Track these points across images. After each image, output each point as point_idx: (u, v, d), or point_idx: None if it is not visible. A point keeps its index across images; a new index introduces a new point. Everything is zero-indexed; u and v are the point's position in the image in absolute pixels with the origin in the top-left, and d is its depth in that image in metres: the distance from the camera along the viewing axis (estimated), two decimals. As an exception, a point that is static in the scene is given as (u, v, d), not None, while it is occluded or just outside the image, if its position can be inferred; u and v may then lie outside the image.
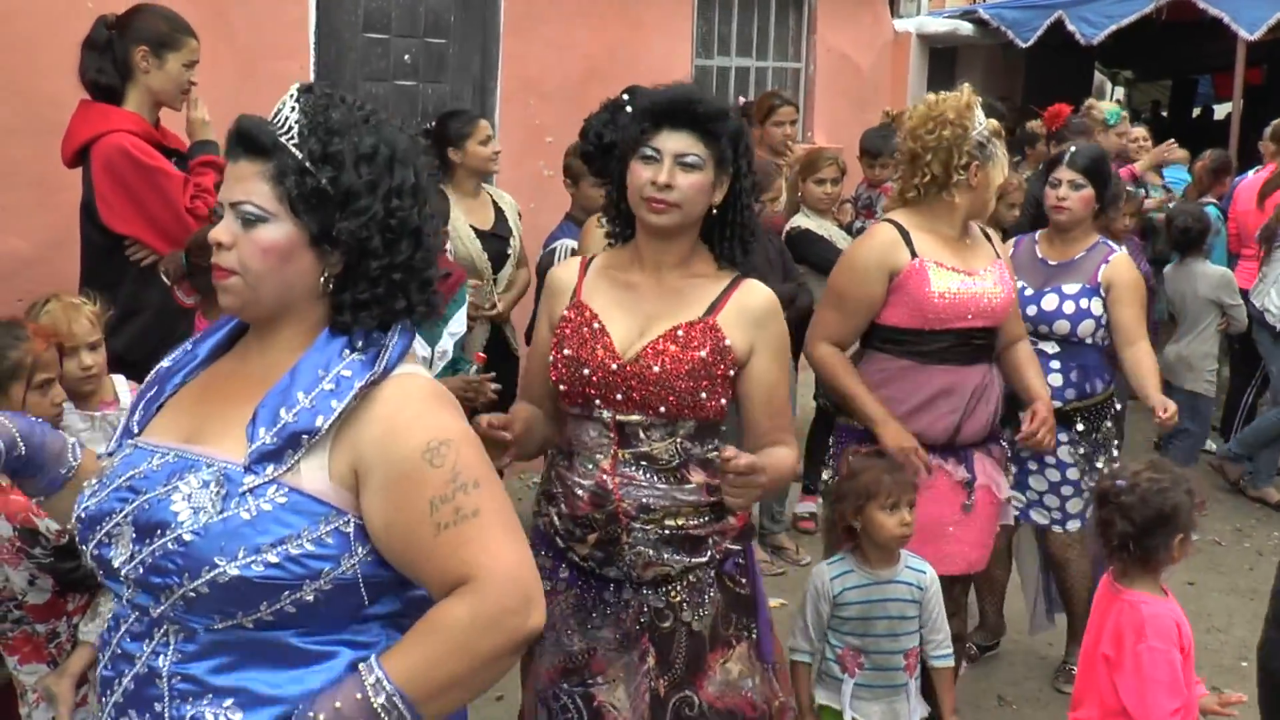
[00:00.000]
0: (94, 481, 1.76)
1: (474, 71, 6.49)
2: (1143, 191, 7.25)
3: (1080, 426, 4.12)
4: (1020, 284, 3.97)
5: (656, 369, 2.40)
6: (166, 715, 1.64)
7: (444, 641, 1.64)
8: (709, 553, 2.52)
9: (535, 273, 4.83)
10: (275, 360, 1.74)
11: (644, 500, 2.44)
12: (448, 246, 4.57)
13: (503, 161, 5.03)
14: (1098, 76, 14.61)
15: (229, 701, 1.63)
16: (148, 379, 1.87)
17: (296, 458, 1.64)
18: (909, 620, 3.26)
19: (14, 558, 2.64)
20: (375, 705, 1.60)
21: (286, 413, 1.65)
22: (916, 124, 3.43)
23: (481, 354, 4.32)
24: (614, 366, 2.43)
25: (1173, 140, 7.94)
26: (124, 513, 1.67)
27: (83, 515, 1.72)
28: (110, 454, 1.81)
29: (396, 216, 1.73)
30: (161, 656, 1.65)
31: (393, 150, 1.74)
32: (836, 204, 5.82)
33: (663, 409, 2.42)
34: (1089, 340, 4.09)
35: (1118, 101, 13.89)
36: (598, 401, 2.45)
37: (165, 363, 1.87)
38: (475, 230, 4.79)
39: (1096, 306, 4.06)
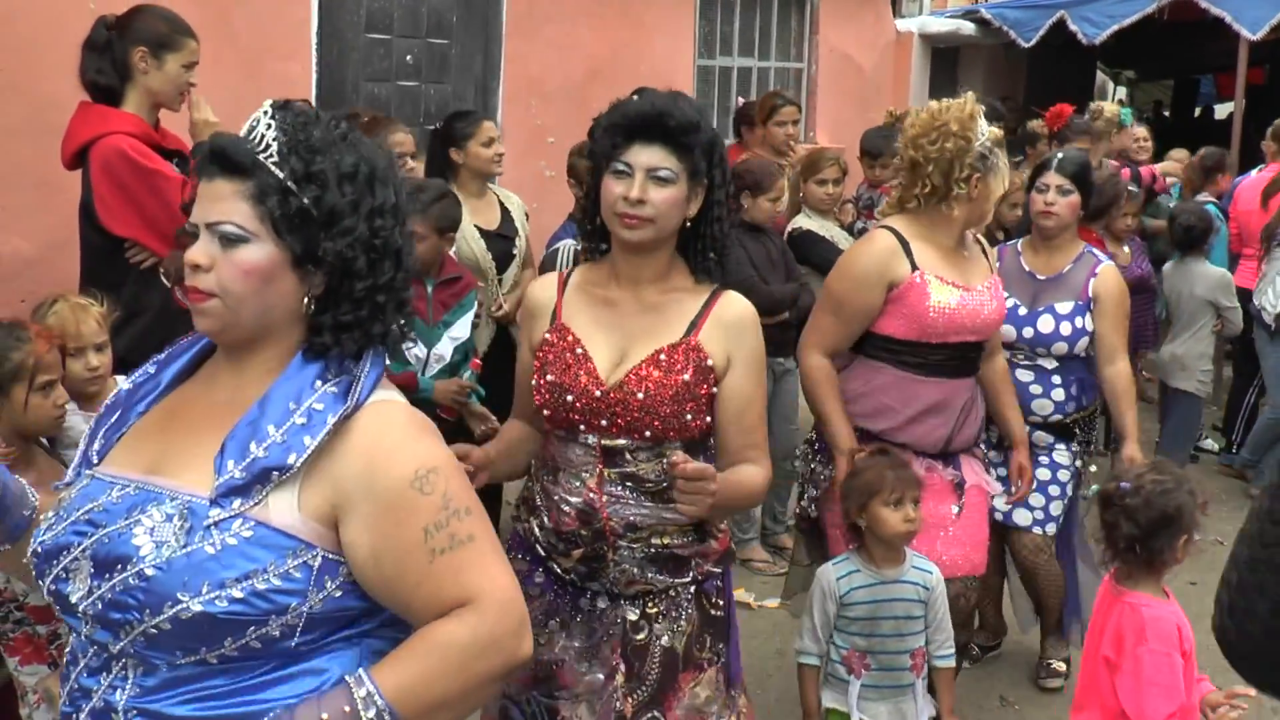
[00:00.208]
0: (50, 515, 1.70)
1: (476, 72, 6.49)
2: (1142, 194, 7.23)
3: (1079, 435, 4.14)
4: (1012, 302, 3.96)
5: (641, 395, 2.36)
6: None
7: (441, 660, 1.61)
8: (691, 573, 2.49)
9: (538, 273, 4.83)
10: (246, 386, 1.69)
11: (631, 518, 2.41)
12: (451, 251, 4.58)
13: (505, 162, 5.03)
14: (1100, 76, 14.61)
15: None
16: (107, 403, 1.80)
17: (265, 493, 1.59)
18: (915, 620, 3.26)
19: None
20: (365, 719, 1.56)
21: (257, 447, 1.60)
22: (918, 133, 3.39)
23: (478, 360, 4.32)
24: (598, 393, 2.38)
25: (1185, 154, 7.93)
26: (82, 547, 1.61)
27: (39, 550, 1.66)
28: (68, 484, 1.74)
29: (380, 236, 1.69)
30: (119, 691, 1.60)
31: (373, 168, 1.70)
32: (838, 204, 5.82)
33: (648, 433, 2.38)
34: (1083, 355, 4.10)
35: (1120, 101, 13.89)
36: (582, 426, 2.41)
37: (125, 385, 1.80)
38: (480, 230, 4.79)
39: (1089, 322, 4.06)
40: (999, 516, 4.17)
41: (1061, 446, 4.11)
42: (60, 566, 1.62)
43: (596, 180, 2.45)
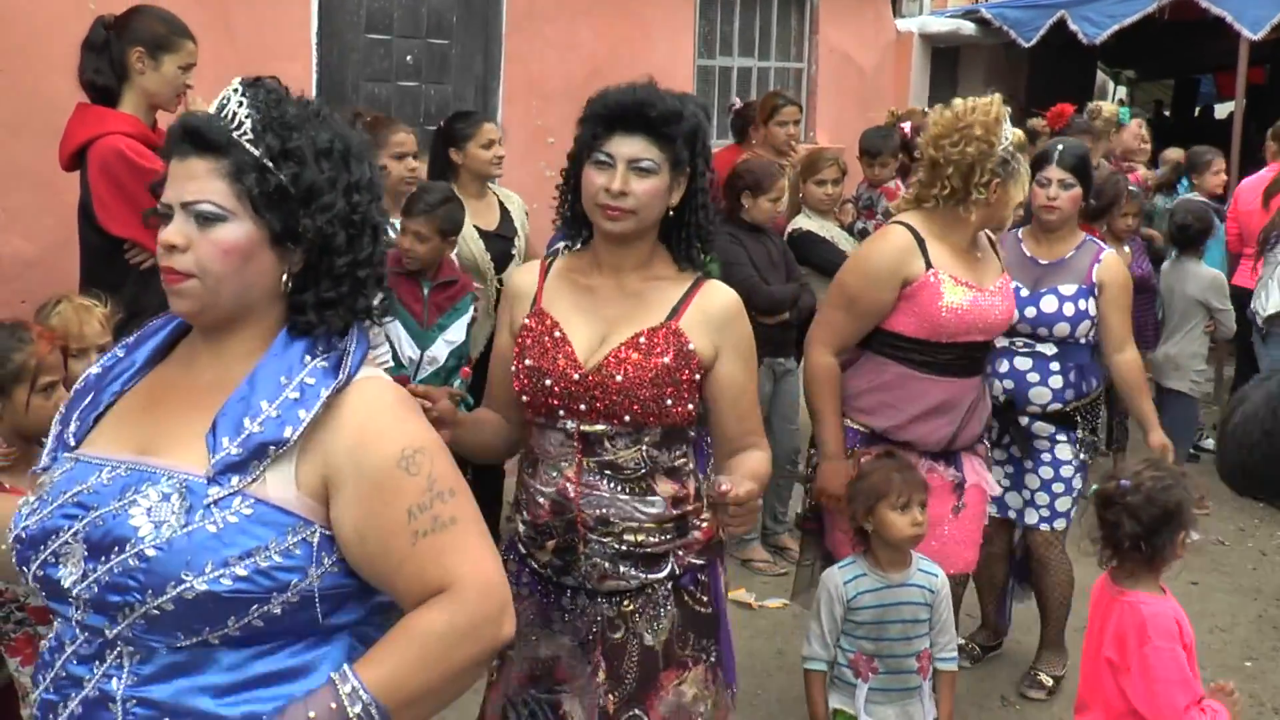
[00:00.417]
0: (32, 499, 1.68)
1: (476, 72, 6.49)
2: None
3: (1079, 424, 4.12)
4: (1014, 284, 3.97)
5: (619, 378, 2.35)
6: None
7: (421, 650, 1.61)
8: (668, 568, 2.46)
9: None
10: (229, 366, 1.68)
11: (603, 512, 2.40)
12: (451, 252, 4.58)
13: (505, 162, 5.03)
14: (1100, 76, 14.60)
15: None
16: (77, 387, 1.78)
17: (262, 468, 1.59)
18: (921, 623, 3.26)
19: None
20: (351, 715, 1.56)
21: (251, 422, 1.59)
22: (940, 132, 3.37)
23: (468, 369, 4.31)
24: (576, 376, 2.37)
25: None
26: (72, 530, 1.60)
27: (23, 535, 1.64)
28: (45, 469, 1.72)
29: (359, 212, 1.69)
30: (114, 679, 1.59)
31: (347, 145, 1.70)
32: (838, 205, 5.82)
33: (627, 418, 2.37)
34: (1084, 340, 4.09)
35: (1121, 101, 13.88)
36: (561, 412, 2.40)
37: (95, 369, 1.78)
38: (480, 231, 4.79)
39: (1093, 307, 4.05)
40: (1012, 514, 4.17)
41: (1064, 440, 4.10)
42: (49, 551, 1.61)
43: (576, 168, 2.44)
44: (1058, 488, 4.13)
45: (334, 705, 1.57)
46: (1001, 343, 3.80)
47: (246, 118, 1.64)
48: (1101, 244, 4.21)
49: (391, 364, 4.01)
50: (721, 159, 5.99)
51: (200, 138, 1.64)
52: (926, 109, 8.13)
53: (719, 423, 2.50)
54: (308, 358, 1.66)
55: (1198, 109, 16.64)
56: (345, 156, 1.69)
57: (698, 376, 2.42)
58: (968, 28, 10.31)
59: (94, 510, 1.60)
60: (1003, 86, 11.24)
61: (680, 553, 2.47)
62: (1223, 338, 6.50)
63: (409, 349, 4.09)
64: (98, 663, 1.60)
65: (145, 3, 3.83)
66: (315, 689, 1.60)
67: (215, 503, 1.57)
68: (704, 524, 2.51)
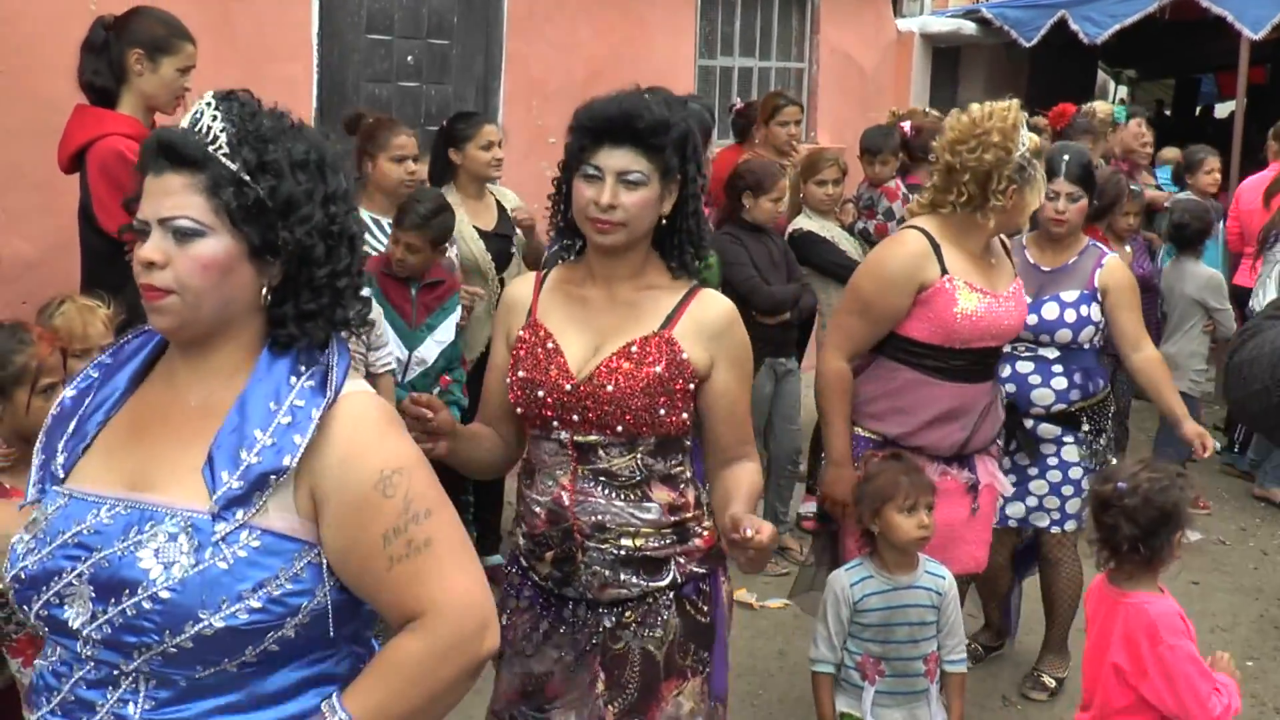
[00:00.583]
0: (27, 537, 1.66)
1: (477, 73, 6.49)
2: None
3: (1085, 426, 4.11)
4: None
5: (610, 388, 2.33)
6: None
7: (403, 677, 1.64)
8: (670, 575, 2.44)
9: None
10: (214, 388, 1.67)
11: (599, 519, 2.38)
12: (452, 252, 4.58)
13: (506, 162, 5.02)
14: (1101, 76, 14.60)
15: None
16: (54, 413, 1.76)
17: (264, 499, 1.59)
18: (929, 626, 3.25)
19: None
20: None
21: (248, 454, 1.59)
22: (957, 138, 3.34)
23: (446, 378, 4.30)
24: (568, 387, 2.35)
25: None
26: (76, 572, 1.59)
27: (22, 575, 1.63)
28: (36, 501, 1.70)
29: (337, 222, 1.69)
30: (131, 705, 1.59)
31: (322, 156, 1.70)
32: (838, 205, 5.82)
33: (620, 428, 2.35)
34: (1087, 345, 4.08)
35: (1121, 100, 13.88)
36: (555, 423, 2.39)
37: (70, 392, 1.76)
38: (479, 231, 4.79)
39: (1095, 312, 4.04)
40: (1013, 523, 4.16)
41: (1070, 442, 4.09)
42: (52, 592, 1.60)
43: (567, 178, 2.43)
44: (1067, 490, 4.13)
45: None
46: (1004, 348, 3.80)
47: (221, 131, 1.63)
48: (1104, 248, 4.20)
49: (393, 365, 4.02)
50: (723, 159, 6.00)
51: (175, 152, 1.63)
52: (928, 109, 8.14)
53: (712, 433, 2.47)
54: (294, 378, 1.65)
55: (1199, 108, 16.64)
56: (321, 167, 1.69)
57: (692, 386, 2.39)
58: (969, 27, 10.31)
59: (97, 551, 1.59)
60: (1003, 86, 11.23)
61: (681, 560, 2.45)
62: (1222, 337, 6.49)
63: (397, 350, 4.10)
64: (111, 688, 1.60)
65: (145, 4, 3.82)
66: None
67: (223, 539, 1.57)
68: (705, 532, 2.49)
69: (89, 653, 1.60)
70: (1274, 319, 1.89)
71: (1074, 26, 9.66)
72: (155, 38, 3.68)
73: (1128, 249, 5.99)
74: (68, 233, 3.86)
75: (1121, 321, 4.06)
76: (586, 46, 6.89)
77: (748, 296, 5.08)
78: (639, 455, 2.38)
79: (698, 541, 2.48)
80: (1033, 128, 7.88)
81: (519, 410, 2.43)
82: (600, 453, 2.38)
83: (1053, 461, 4.10)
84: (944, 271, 3.33)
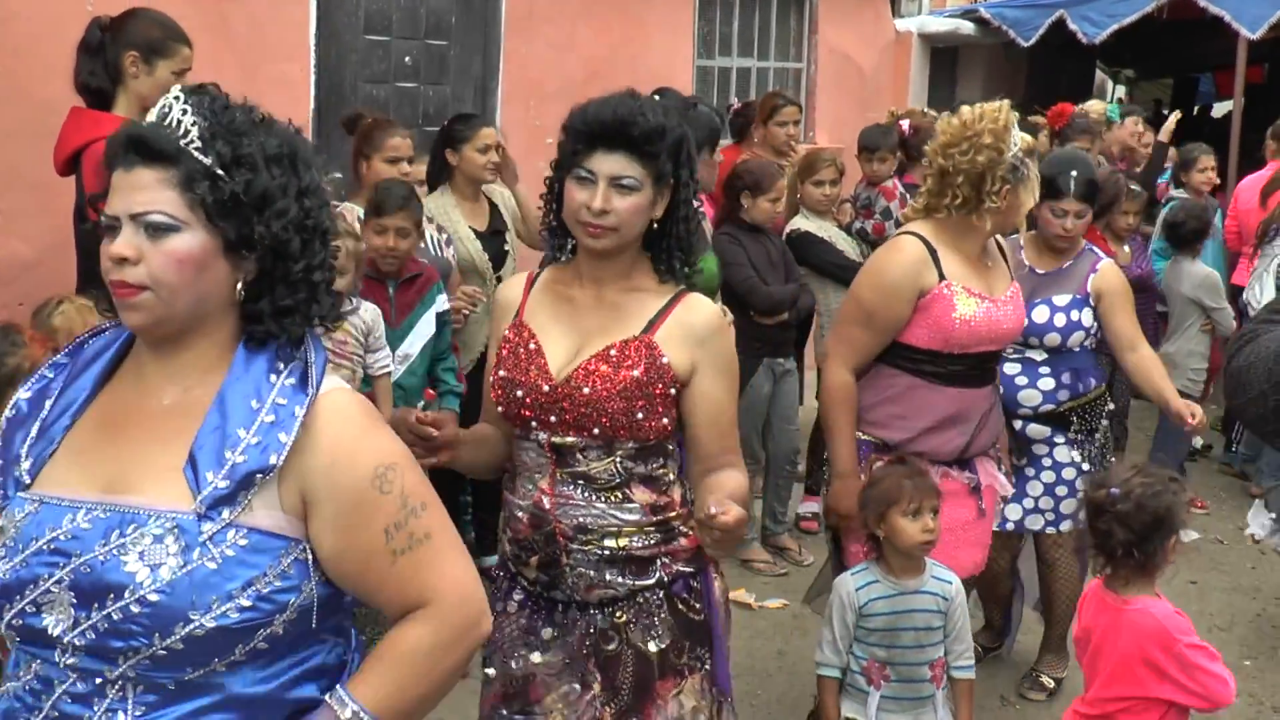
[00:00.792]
0: None
1: (475, 73, 6.49)
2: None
3: (1075, 425, 4.11)
4: None
5: (587, 390, 2.32)
6: None
7: (412, 667, 1.67)
8: (657, 574, 2.42)
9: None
10: (189, 387, 1.65)
11: (580, 520, 2.37)
12: (449, 253, 4.58)
13: (504, 163, 5.02)
14: (1099, 75, 14.60)
15: None
16: (8, 415, 1.71)
17: (249, 497, 1.58)
18: (935, 631, 3.23)
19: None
20: None
21: (233, 453, 1.57)
22: (950, 141, 3.33)
23: (431, 391, 4.28)
24: (546, 388, 2.35)
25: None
26: (55, 579, 1.55)
27: None
28: (2, 509, 1.65)
29: (311, 216, 1.67)
30: (120, 714, 1.57)
31: (295, 149, 1.68)
32: (836, 205, 5.82)
33: (596, 430, 2.34)
34: (1077, 348, 4.08)
35: (1119, 100, 13.88)
36: (534, 424, 2.38)
37: (25, 394, 1.71)
38: (475, 232, 4.79)
39: (1087, 317, 4.03)
40: (1010, 526, 4.16)
41: (1061, 442, 4.10)
42: (27, 600, 1.57)
43: (559, 179, 2.42)
44: (1061, 490, 4.13)
45: None
46: None
47: (193, 125, 1.61)
48: (1099, 253, 4.20)
49: (391, 367, 4.00)
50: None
51: (146, 147, 1.60)
52: (926, 109, 8.15)
53: (694, 440, 2.44)
54: (273, 375, 1.64)
55: (1196, 108, 16.64)
56: (294, 161, 1.67)
57: (673, 390, 2.37)
58: (967, 27, 10.30)
59: (77, 557, 1.55)
60: (1001, 86, 11.29)
61: (667, 560, 2.44)
62: (1221, 335, 6.49)
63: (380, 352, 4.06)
64: (98, 699, 1.57)
65: (142, 5, 3.82)
66: (312, 716, 1.64)
67: (210, 539, 1.55)
68: (690, 531, 2.47)
69: (70, 662, 1.57)
70: (1270, 323, 1.88)
71: (1072, 26, 9.66)
72: (151, 40, 3.68)
73: (1126, 249, 5.99)
74: (64, 234, 3.85)
75: (1116, 325, 4.06)
76: (585, 47, 6.89)
77: (746, 297, 5.08)
78: (617, 458, 2.37)
79: (683, 541, 2.46)
80: (1030, 127, 7.90)
81: (500, 410, 2.43)
82: (578, 455, 2.37)
83: (1046, 463, 4.10)
84: (941, 277, 3.32)
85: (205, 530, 1.55)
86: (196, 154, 1.60)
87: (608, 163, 2.32)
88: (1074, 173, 4.05)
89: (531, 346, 2.41)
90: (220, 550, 1.55)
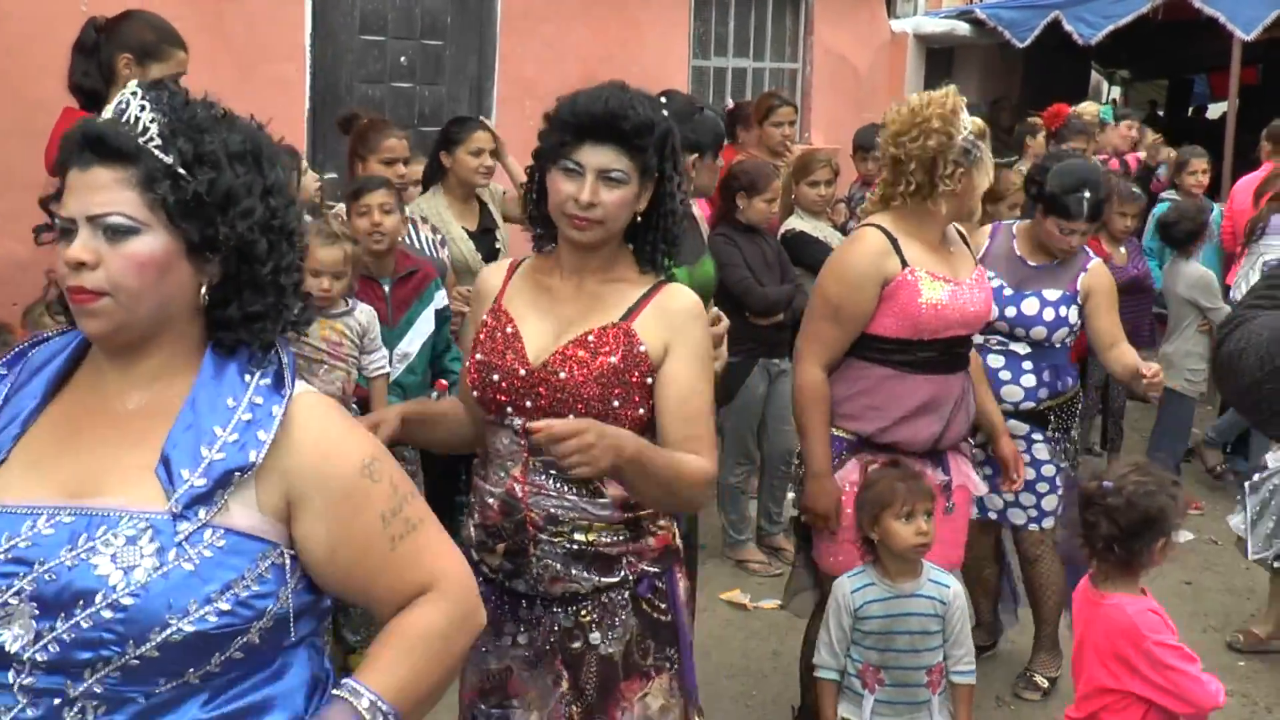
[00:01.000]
0: None
1: (470, 73, 6.49)
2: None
3: (1052, 423, 4.14)
4: (997, 281, 3.96)
5: (563, 375, 2.30)
6: None
7: (427, 652, 1.63)
8: (621, 573, 2.39)
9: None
10: (157, 391, 1.58)
11: (552, 511, 2.35)
12: (444, 253, 4.58)
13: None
14: (1094, 76, 14.63)
15: None
16: None
17: (225, 496, 1.52)
18: (932, 636, 3.21)
19: None
20: None
21: (209, 450, 1.51)
22: (899, 129, 3.37)
23: (443, 382, 4.25)
24: (522, 373, 2.33)
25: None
26: (14, 589, 1.46)
27: None
28: None
29: (278, 216, 1.60)
30: None
31: (259, 146, 1.61)
32: (831, 205, 5.82)
33: (572, 417, 2.26)
34: (1059, 345, 4.11)
35: (1113, 101, 13.91)
36: (509, 409, 2.36)
37: None
38: (466, 232, 4.79)
39: (1073, 315, 4.06)
40: (993, 515, 4.18)
41: (1040, 440, 4.11)
42: None
43: (541, 168, 2.39)
44: (1042, 487, 4.15)
45: None
46: (976, 340, 3.79)
47: (152, 122, 1.53)
48: (1090, 252, 4.22)
49: (387, 369, 3.96)
50: (716, 160, 5.99)
51: (104, 145, 1.52)
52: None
53: (661, 422, 2.36)
54: (247, 376, 1.59)
55: (1191, 109, 16.68)
56: (258, 159, 1.60)
57: (649, 380, 2.35)
58: (962, 28, 10.32)
59: (39, 564, 1.47)
60: (997, 87, 11.29)
61: (633, 559, 2.42)
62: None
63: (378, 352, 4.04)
64: None
65: (138, 7, 3.81)
66: (326, 709, 1.58)
67: (186, 539, 1.49)
68: (660, 531, 2.46)
69: (26, 682, 1.47)
70: (1256, 307, 1.86)
71: (1067, 27, 9.68)
72: (145, 44, 3.66)
73: (1123, 250, 6.00)
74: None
75: (1099, 325, 4.08)
76: (580, 47, 6.90)
77: (742, 297, 5.08)
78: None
79: (651, 540, 2.44)
80: (1030, 124, 7.90)
81: (475, 394, 2.41)
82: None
83: (1025, 459, 4.10)
84: (904, 264, 3.34)
85: (181, 530, 1.49)
86: (157, 152, 1.52)
87: (596, 155, 2.30)
88: (1086, 195, 4.03)
89: (509, 331, 2.40)
90: (197, 551, 1.49)
